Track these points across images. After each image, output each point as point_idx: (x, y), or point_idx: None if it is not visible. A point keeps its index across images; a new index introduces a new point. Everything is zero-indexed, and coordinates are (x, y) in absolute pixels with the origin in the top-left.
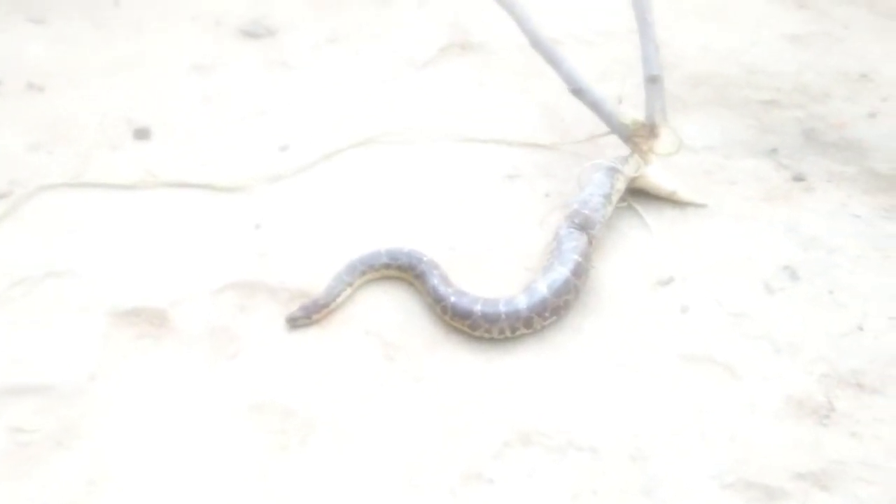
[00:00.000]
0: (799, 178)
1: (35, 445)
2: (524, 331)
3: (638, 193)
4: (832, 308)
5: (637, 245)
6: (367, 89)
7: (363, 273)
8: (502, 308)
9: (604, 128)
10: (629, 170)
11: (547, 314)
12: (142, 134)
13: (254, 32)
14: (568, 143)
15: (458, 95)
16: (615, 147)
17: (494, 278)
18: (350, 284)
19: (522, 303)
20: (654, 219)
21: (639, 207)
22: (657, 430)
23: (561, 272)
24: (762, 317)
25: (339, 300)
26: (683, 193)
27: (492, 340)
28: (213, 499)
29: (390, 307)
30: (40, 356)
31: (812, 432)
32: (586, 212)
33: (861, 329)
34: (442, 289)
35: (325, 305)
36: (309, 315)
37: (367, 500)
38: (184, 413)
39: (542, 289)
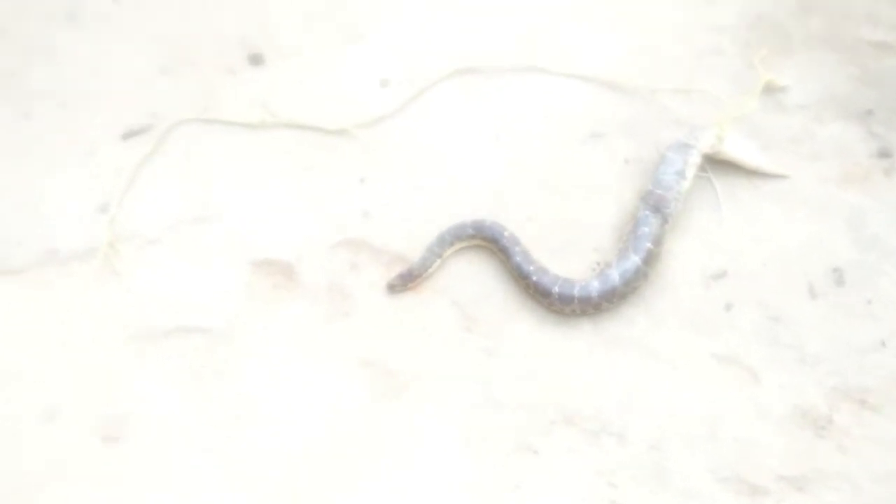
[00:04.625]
0: (884, 154)
1: (203, 380)
2: (592, 311)
3: (722, 165)
4: (864, 319)
5: (705, 229)
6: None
7: (451, 244)
8: (576, 293)
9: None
10: (704, 144)
11: (615, 300)
12: (256, 60)
13: None
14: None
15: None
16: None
17: (564, 256)
18: (440, 256)
19: (595, 290)
20: (728, 198)
21: (717, 184)
22: (677, 423)
23: (633, 261)
24: (798, 323)
25: (430, 270)
26: (768, 167)
27: (560, 319)
28: (333, 441)
29: (473, 280)
30: (197, 300)
31: (807, 441)
32: (660, 192)
33: (884, 345)
34: (525, 266)
35: (419, 275)
36: (405, 283)
37: (434, 455)
38: (311, 363)
39: (615, 277)
